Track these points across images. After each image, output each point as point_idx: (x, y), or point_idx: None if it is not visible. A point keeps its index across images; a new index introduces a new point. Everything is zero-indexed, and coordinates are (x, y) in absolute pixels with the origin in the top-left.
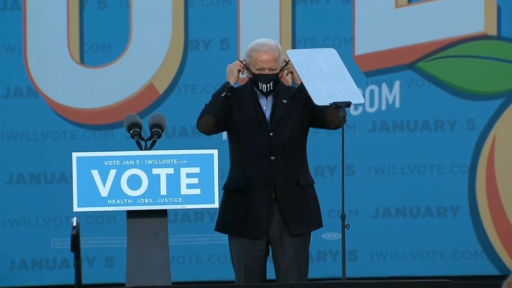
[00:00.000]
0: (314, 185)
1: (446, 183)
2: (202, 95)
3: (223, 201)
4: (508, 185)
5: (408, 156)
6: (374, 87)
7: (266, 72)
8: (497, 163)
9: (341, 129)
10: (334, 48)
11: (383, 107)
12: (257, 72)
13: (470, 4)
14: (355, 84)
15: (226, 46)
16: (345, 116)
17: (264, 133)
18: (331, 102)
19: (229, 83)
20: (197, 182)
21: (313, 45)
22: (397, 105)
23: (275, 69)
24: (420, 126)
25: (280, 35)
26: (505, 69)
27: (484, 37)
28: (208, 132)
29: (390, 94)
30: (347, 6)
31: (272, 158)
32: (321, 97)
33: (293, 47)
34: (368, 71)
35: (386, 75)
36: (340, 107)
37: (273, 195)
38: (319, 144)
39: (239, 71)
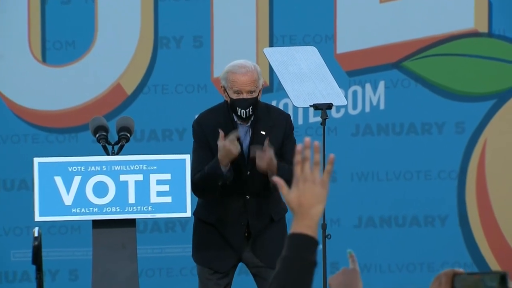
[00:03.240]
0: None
1: (433, 190)
2: (173, 96)
3: (195, 229)
4: (500, 192)
5: (393, 162)
6: (357, 87)
7: (244, 96)
8: (488, 169)
9: (321, 133)
10: (315, 46)
11: (367, 109)
12: (234, 96)
13: None
14: (336, 85)
15: (199, 44)
16: (326, 118)
17: (241, 171)
18: (311, 103)
19: (222, 172)
20: (168, 189)
21: (292, 43)
22: (382, 107)
23: (253, 91)
24: (406, 129)
25: (257, 32)
26: (496, 69)
27: (474, 34)
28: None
29: (374, 95)
30: (328, 0)
31: (247, 197)
32: (300, 98)
33: (271, 45)
34: (350, 70)
35: (370, 74)
36: (321, 109)
37: (246, 234)
38: None
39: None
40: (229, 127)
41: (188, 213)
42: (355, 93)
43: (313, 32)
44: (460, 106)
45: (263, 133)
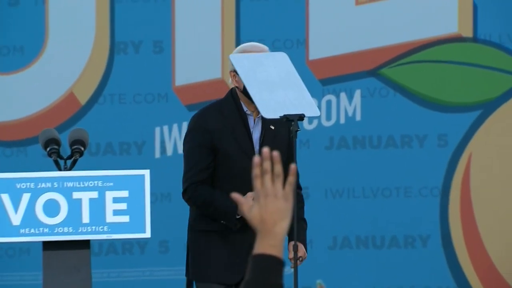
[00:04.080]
0: None
1: (414, 208)
2: (131, 106)
3: (194, 242)
4: (486, 211)
5: (371, 177)
6: (331, 97)
7: None
8: (473, 185)
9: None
10: (285, 52)
11: (342, 120)
12: None
13: (442, 1)
14: (309, 94)
15: (159, 49)
16: (297, 130)
17: (251, 166)
18: (281, 114)
19: (235, 220)
20: (125, 208)
21: None
22: (358, 118)
23: None
24: (385, 143)
25: (222, 37)
26: (482, 77)
27: (458, 39)
28: None
29: (350, 105)
30: (300, 3)
31: None
32: (269, 108)
33: None
34: (324, 78)
35: (345, 83)
36: (292, 121)
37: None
38: None
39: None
40: (238, 121)
41: (147, 234)
42: (329, 103)
43: (283, 37)
44: (443, 117)
45: (272, 127)
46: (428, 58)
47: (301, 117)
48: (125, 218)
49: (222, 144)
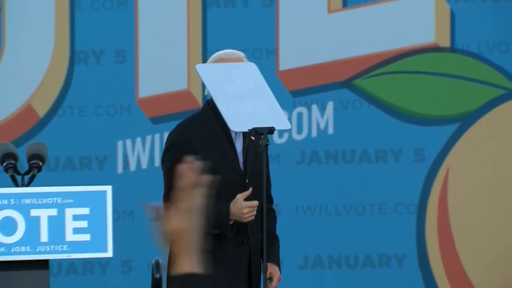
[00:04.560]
0: None
1: (389, 226)
2: (92, 119)
3: None
4: (464, 229)
5: (344, 194)
6: (303, 109)
7: None
8: (451, 202)
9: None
10: (254, 62)
11: (314, 134)
12: None
13: (418, 9)
14: (279, 106)
15: (121, 59)
16: (267, 144)
17: (238, 179)
18: (250, 127)
19: (228, 226)
20: (86, 226)
21: None
22: (330, 131)
23: None
24: (358, 157)
25: (188, 46)
26: (460, 88)
27: (435, 49)
28: None
29: (322, 118)
30: (269, 10)
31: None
32: (238, 121)
33: (204, 60)
34: (295, 90)
35: (317, 94)
36: (261, 134)
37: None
38: None
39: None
40: (220, 133)
41: (109, 253)
42: (300, 115)
43: (252, 46)
44: (419, 130)
45: (253, 138)
46: (404, 68)
47: (271, 130)
48: (86, 237)
49: (207, 158)
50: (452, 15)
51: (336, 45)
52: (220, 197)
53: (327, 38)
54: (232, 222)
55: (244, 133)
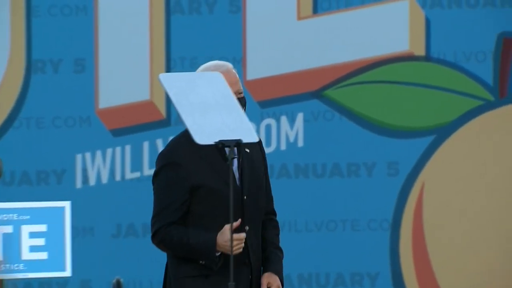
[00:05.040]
0: None
1: (362, 243)
2: (50, 131)
3: None
4: (440, 246)
5: (315, 209)
6: (271, 121)
7: (236, 96)
8: (426, 217)
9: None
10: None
11: (283, 147)
12: None
13: (392, 16)
14: (246, 118)
15: (81, 68)
16: (234, 158)
17: (236, 196)
18: (216, 140)
19: (215, 257)
20: (43, 243)
21: (193, 67)
22: (300, 144)
23: (241, 92)
24: (330, 171)
25: (151, 54)
26: (436, 99)
27: (409, 58)
28: None
29: (291, 130)
30: (236, 17)
31: (247, 228)
32: (203, 134)
33: (167, 70)
34: (263, 100)
35: (286, 105)
36: (228, 147)
37: (250, 276)
38: None
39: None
40: (214, 150)
41: (68, 272)
42: (268, 127)
43: (218, 55)
44: (394, 143)
45: (248, 150)
46: (377, 78)
47: (238, 143)
48: (43, 255)
49: (202, 179)
50: (427, 22)
51: (307, 54)
52: (219, 218)
53: (297, 46)
54: (219, 253)
55: (238, 147)
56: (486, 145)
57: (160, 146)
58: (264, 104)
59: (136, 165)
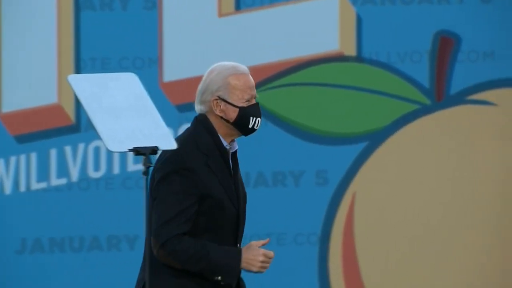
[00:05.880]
0: None
1: (288, 258)
2: None
3: None
4: (372, 260)
5: None
6: None
7: (254, 101)
8: (357, 230)
9: (144, 185)
10: (134, 73)
11: None
12: (245, 104)
13: (321, 13)
14: (163, 123)
15: None
16: (149, 166)
17: (234, 210)
18: (130, 147)
19: (236, 275)
20: None
21: (105, 68)
22: None
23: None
24: (253, 181)
25: (59, 53)
26: (367, 102)
27: (339, 58)
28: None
29: None
30: (151, 14)
31: (238, 245)
32: (116, 140)
33: (77, 71)
34: (181, 104)
35: None
36: (143, 154)
37: None
38: (112, 208)
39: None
40: (219, 160)
41: None
42: None
43: (132, 55)
44: (322, 150)
45: (237, 160)
46: (304, 80)
47: (154, 150)
48: None
49: (210, 188)
50: (359, 20)
51: (228, 53)
52: (221, 236)
53: (218, 46)
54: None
55: (233, 156)
56: (422, 152)
57: (69, 154)
58: (182, 108)
59: (43, 175)
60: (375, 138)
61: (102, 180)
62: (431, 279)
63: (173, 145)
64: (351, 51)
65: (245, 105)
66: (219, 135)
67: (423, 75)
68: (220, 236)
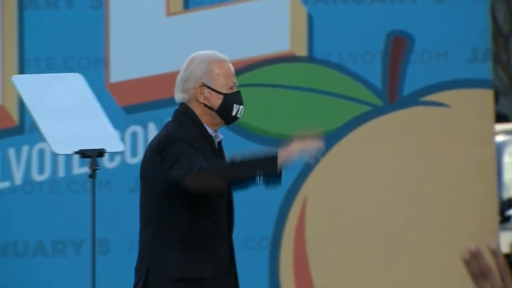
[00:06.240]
0: None
1: (239, 262)
2: None
3: None
4: (324, 265)
5: None
6: (138, 128)
7: (235, 89)
8: (308, 235)
9: (90, 188)
10: (80, 73)
11: None
12: (228, 91)
13: (271, 12)
14: (110, 125)
15: None
16: (96, 169)
17: (225, 201)
18: (76, 150)
19: (276, 171)
20: None
21: (50, 68)
22: None
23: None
24: None
25: (2, 53)
26: (318, 103)
27: (290, 58)
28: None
29: None
30: (97, 12)
31: (231, 237)
32: (61, 142)
33: (21, 71)
34: (128, 105)
35: (154, 111)
36: (89, 157)
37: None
38: (57, 212)
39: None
40: (207, 147)
41: None
42: (134, 135)
43: (78, 54)
44: None
45: (222, 150)
46: (253, 81)
47: (100, 152)
48: None
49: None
50: (310, 20)
51: (177, 54)
52: (212, 220)
53: (166, 46)
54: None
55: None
56: (374, 154)
57: (13, 156)
58: (129, 109)
59: None
60: (326, 140)
61: (47, 183)
62: (384, 282)
63: (120, 147)
64: (302, 51)
65: (228, 92)
66: (204, 123)
67: (376, 76)
68: (212, 221)
